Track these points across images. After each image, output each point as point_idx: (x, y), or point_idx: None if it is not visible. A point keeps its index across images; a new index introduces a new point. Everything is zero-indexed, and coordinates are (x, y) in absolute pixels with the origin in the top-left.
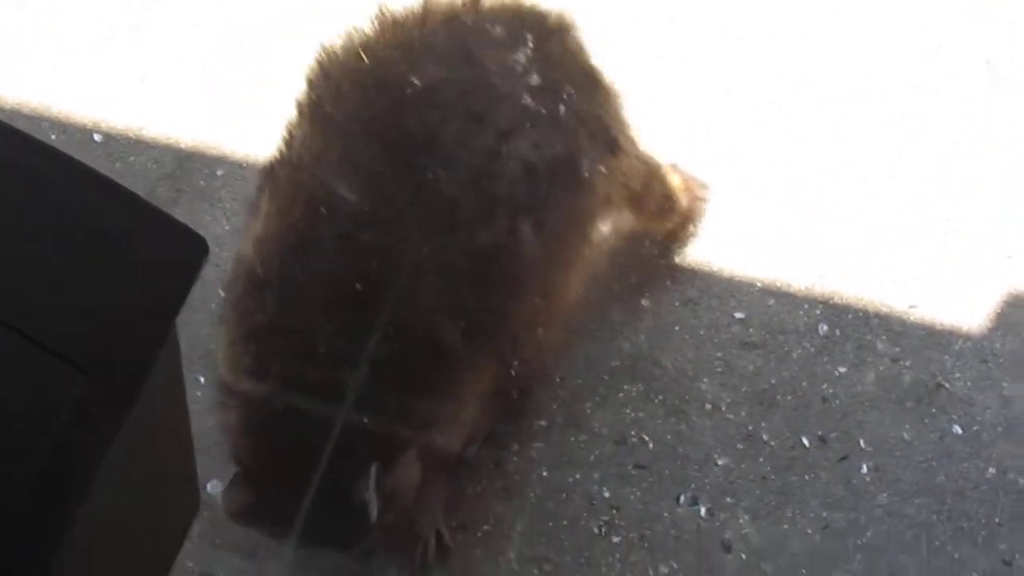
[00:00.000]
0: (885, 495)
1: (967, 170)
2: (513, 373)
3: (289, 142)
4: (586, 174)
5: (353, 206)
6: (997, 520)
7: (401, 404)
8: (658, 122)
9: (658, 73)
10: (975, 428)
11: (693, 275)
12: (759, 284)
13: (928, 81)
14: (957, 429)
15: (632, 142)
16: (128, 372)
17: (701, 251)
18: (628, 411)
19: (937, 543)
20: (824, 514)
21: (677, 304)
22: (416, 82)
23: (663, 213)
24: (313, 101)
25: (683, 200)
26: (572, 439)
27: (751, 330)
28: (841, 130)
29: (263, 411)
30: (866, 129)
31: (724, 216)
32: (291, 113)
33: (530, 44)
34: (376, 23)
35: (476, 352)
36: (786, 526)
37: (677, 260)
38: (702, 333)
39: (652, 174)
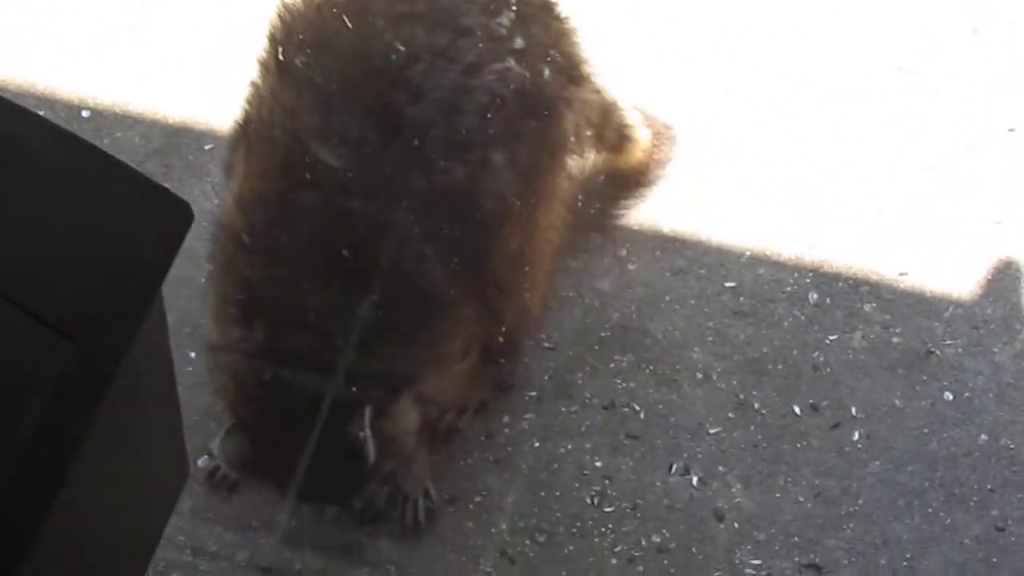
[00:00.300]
0: (877, 462)
1: (959, 136)
2: (501, 328)
3: (257, 100)
4: (553, 103)
5: (337, 172)
6: (989, 486)
7: (391, 350)
8: (665, 88)
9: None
10: (966, 394)
11: (683, 245)
12: (748, 253)
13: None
14: (948, 396)
15: (589, 75)
16: (114, 338)
17: (690, 221)
18: (619, 381)
19: (929, 510)
20: (816, 482)
21: (667, 274)
22: (396, 39)
23: (623, 146)
24: (280, 58)
25: (643, 135)
26: (563, 410)
27: (741, 299)
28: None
29: (254, 367)
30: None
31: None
32: (254, 70)
33: None
34: None
35: (461, 291)
36: (778, 494)
37: (645, 203)
38: (692, 303)
39: (609, 107)
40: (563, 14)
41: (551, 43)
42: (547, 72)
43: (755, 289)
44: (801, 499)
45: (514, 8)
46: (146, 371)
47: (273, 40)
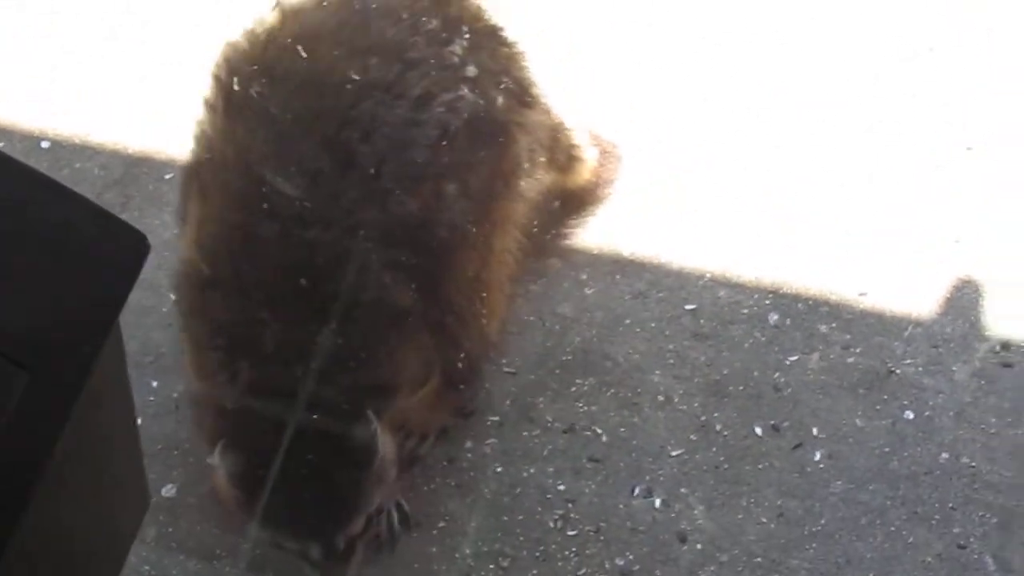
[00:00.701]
0: (839, 482)
1: (916, 154)
2: (460, 354)
3: (207, 140)
4: (506, 128)
5: (294, 202)
6: (951, 504)
7: (356, 379)
8: (635, 127)
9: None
10: (927, 413)
11: (642, 268)
12: (708, 275)
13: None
14: (909, 414)
15: (539, 98)
16: (71, 369)
17: (650, 244)
18: (581, 405)
19: (892, 528)
20: (779, 502)
21: (627, 297)
22: (347, 72)
23: (572, 167)
24: (230, 96)
25: (591, 155)
26: (525, 434)
27: (702, 321)
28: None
29: (238, 403)
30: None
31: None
32: (201, 112)
33: (431, 11)
34: (277, 12)
35: (420, 318)
36: (741, 515)
37: (594, 222)
38: (653, 325)
39: (558, 127)
40: (510, 39)
41: (501, 69)
42: (499, 98)
43: (715, 311)
44: (764, 520)
45: (465, 36)
46: (104, 401)
47: (218, 80)
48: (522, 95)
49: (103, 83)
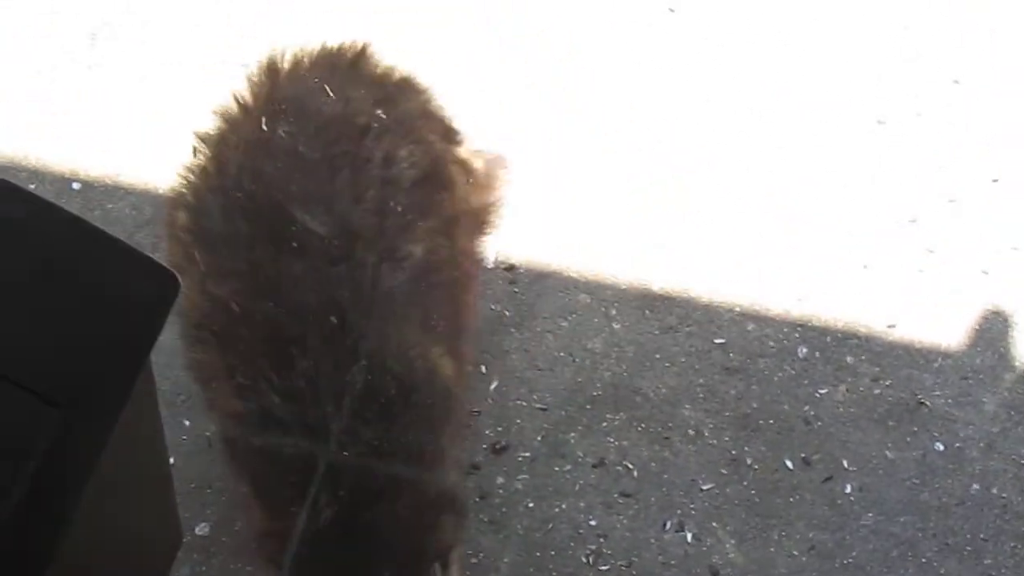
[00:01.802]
0: (870, 514)
1: (945, 180)
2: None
3: (222, 167)
4: (447, 170)
5: (323, 239)
6: (982, 536)
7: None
8: (637, 129)
9: (637, 80)
10: (957, 444)
11: (672, 302)
12: (738, 309)
13: (908, 88)
14: (939, 446)
15: (460, 132)
16: (103, 406)
17: (679, 277)
18: (611, 440)
19: (923, 560)
20: (810, 535)
21: (657, 332)
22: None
23: (473, 185)
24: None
25: (479, 170)
26: (556, 469)
27: (731, 355)
28: (821, 137)
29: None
30: (846, 136)
31: (703, 223)
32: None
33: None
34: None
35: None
36: (772, 549)
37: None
38: (683, 360)
39: (474, 155)
40: (421, 83)
41: (428, 114)
42: (435, 142)
43: (744, 345)
44: (795, 553)
45: (392, 98)
46: (136, 439)
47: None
48: (449, 134)
49: (94, 154)
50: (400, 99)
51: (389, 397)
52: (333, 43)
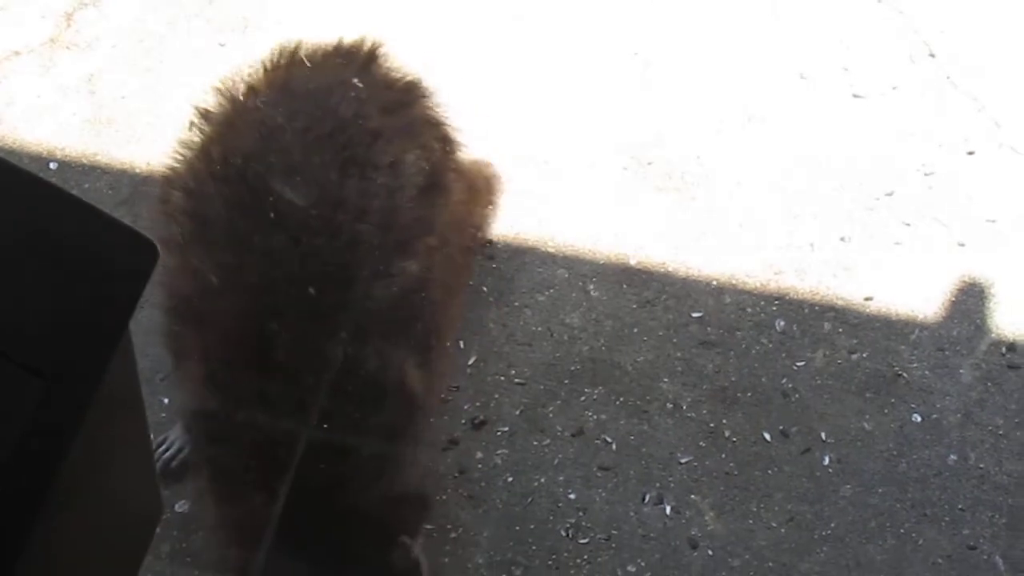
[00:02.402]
0: (848, 486)
1: (921, 153)
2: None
3: (227, 154)
4: (446, 181)
5: (303, 211)
6: (960, 506)
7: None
8: (610, 103)
9: (608, 55)
10: (934, 415)
11: (649, 276)
12: (715, 282)
13: (884, 61)
14: (917, 417)
15: (458, 140)
16: (84, 375)
17: (656, 252)
18: (590, 413)
19: (901, 531)
20: (788, 507)
21: (634, 306)
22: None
23: (468, 194)
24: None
25: (476, 179)
26: (535, 443)
27: (709, 328)
28: (797, 110)
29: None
30: (822, 110)
31: (679, 198)
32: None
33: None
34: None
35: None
36: (751, 521)
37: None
38: (661, 334)
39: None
40: (426, 88)
41: (431, 121)
42: (437, 150)
43: (722, 318)
44: (774, 524)
45: (401, 102)
46: (116, 409)
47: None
48: (450, 141)
49: (109, 102)
50: (408, 103)
51: (360, 401)
52: (348, 39)
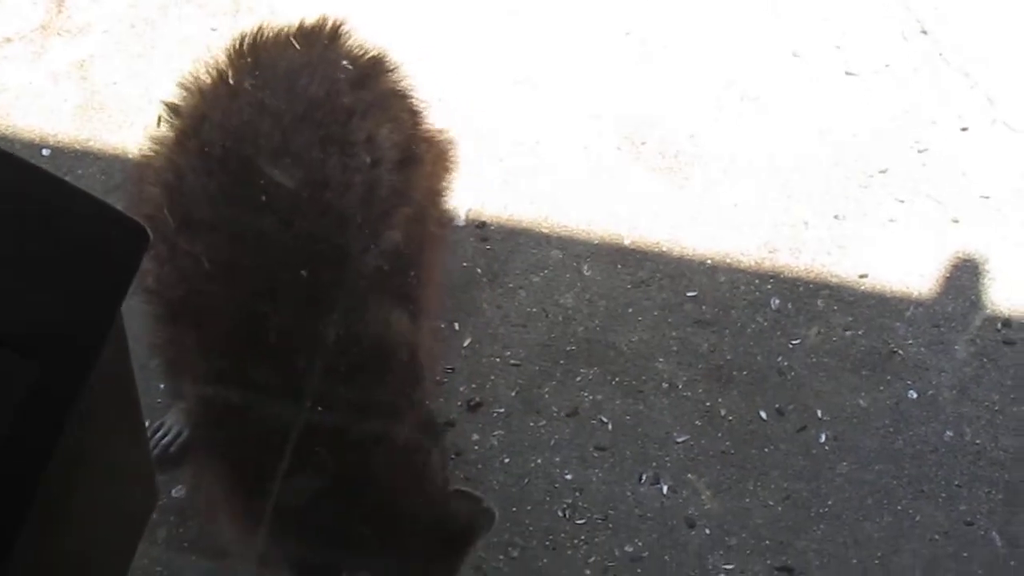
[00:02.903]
0: (845, 463)
1: (915, 130)
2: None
3: (202, 143)
4: (418, 152)
5: (292, 193)
6: (956, 482)
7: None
8: (605, 85)
9: (596, 36)
10: (930, 392)
11: (643, 256)
12: (709, 261)
13: (877, 38)
14: (913, 394)
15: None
16: (77, 358)
17: (650, 231)
18: (586, 394)
19: (898, 507)
20: (785, 485)
21: (629, 286)
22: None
23: (441, 162)
24: (222, 84)
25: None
26: (531, 424)
27: (704, 308)
28: (790, 88)
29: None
30: (816, 87)
31: (672, 177)
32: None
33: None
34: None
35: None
36: (748, 499)
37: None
38: (656, 313)
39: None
40: (392, 60)
41: (400, 92)
42: (407, 121)
43: (717, 297)
44: (771, 503)
45: (368, 77)
46: (109, 392)
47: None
48: (417, 114)
49: (64, 119)
50: (376, 78)
51: (358, 360)
52: (310, 19)
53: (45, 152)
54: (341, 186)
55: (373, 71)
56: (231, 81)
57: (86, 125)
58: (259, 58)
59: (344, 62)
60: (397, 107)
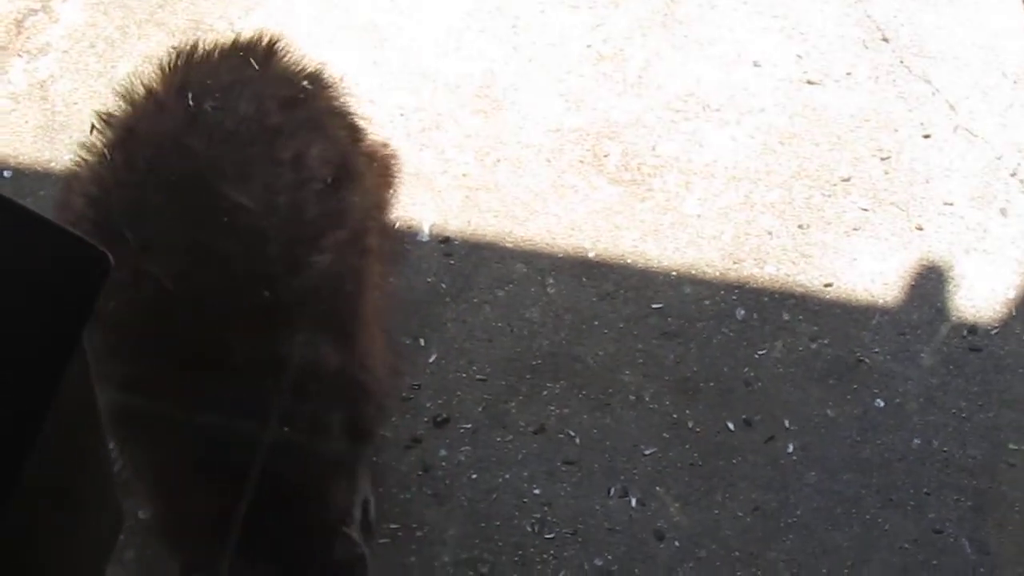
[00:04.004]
0: (813, 473)
1: (877, 138)
2: (372, 401)
3: (130, 157)
4: (356, 168)
5: (213, 211)
6: (925, 490)
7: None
8: (580, 114)
9: (553, 45)
10: (897, 400)
11: (608, 269)
12: (674, 273)
13: (838, 46)
14: (879, 402)
15: (363, 126)
16: (39, 386)
17: (614, 244)
18: (553, 408)
19: (867, 516)
20: (754, 496)
21: (594, 299)
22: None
23: (384, 177)
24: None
25: (383, 161)
26: (498, 440)
27: (670, 319)
28: (752, 98)
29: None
30: (777, 97)
31: (636, 189)
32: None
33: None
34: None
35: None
36: (717, 511)
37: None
38: (621, 326)
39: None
40: (327, 77)
41: (335, 110)
42: (344, 138)
43: (682, 309)
44: (740, 514)
45: (302, 96)
46: (72, 418)
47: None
48: (356, 129)
49: (25, 140)
50: (308, 96)
51: (274, 385)
52: (246, 36)
53: (7, 174)
54: (264, 206)
55: (308, 88)
56: (160, 95)
57: (48, 146)
58: (190, 74)
59: (277, 79)
60: (333, 125)
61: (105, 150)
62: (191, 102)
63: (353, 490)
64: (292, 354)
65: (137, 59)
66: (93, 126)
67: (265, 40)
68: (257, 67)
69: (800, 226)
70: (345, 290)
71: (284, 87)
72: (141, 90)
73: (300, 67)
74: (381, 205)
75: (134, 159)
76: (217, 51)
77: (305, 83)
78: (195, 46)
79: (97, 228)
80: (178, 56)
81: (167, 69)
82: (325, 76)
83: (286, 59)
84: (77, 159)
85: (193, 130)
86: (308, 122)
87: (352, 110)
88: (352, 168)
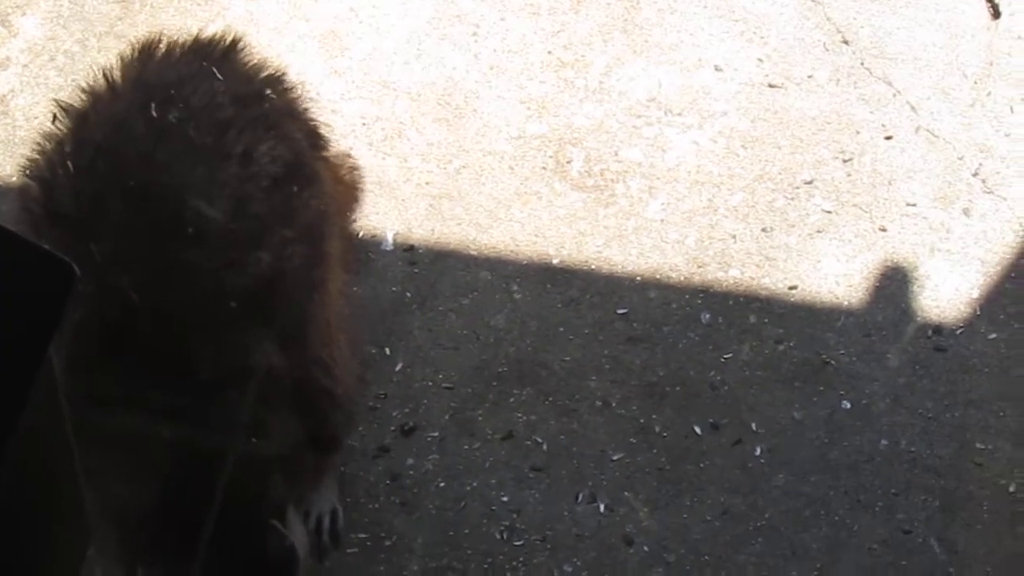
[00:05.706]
0: (781, 475)
1: (839, 140)
2: (333, 405)
3: (80, 145)
4: (313, 171)
5: (152, 201)
6: (893, 490)
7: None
8: (542, 120)
9: (518, 53)
10: (864, 401)
11: (573, 275)
12: (639, 278)
13: (799, 49)
14: (846, 404)
15: (325, 133)
16: (4, 401)
17: (578, 250)
18: (520, 415)
19: (836, 518)
20: (722, 499)
21: (559, 305)
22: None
23: (343, 184)
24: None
25: (343, 170)
26: (466, 447)
27: (635, 324)
28: (712, 101)
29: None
30: (739, 99)
31: (598, 194)
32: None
33: (219, 74)
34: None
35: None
36: (685, 515)
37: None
38: (587, 332)
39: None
40: (290, 81)
41: (296, 113)
42: (302, 141)
43: (647, 313)
44: (708, 518)
45: (258, 94)
46: (40, 430)
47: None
48: (316, 134)
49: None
50: (265, 95)
51: (208, 381)
52: (207, 33)
53: None
54: (205, 197)
55: (265, 88)
56: (117, 85)
57: (8, 161)
58: (148, 65)
59: (235, 76)
60: (288, 125)
61: (60, 136)
62: (144, 93)
63: (293, 484)
64: (225, 350)
65: (98, 73)
66: (55, 116)
67: (227, 39)
68: (215, 64)
69: (764, 229)
70: (290, 290)
71: (241, 84)
72: (101, 79)
73: (260, 67)
74: (342, 212)
75: (83, 144)
76: (178, 47)
77: (263, 83)
78: (157, 39)
79: (48, 213)
80: (137, 50)
81: (127, 59)
82: (285, 78)
83: (246, 58)
84: (35, 148)
85: (143, 118)
86: (261, 119)
87: (312, 115)
88: (307, 170)
